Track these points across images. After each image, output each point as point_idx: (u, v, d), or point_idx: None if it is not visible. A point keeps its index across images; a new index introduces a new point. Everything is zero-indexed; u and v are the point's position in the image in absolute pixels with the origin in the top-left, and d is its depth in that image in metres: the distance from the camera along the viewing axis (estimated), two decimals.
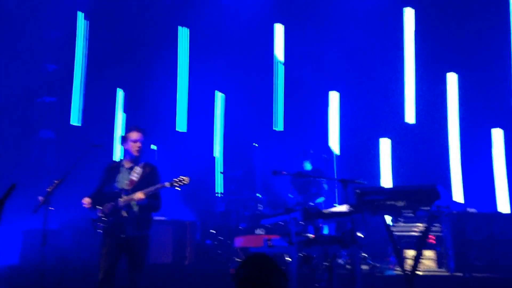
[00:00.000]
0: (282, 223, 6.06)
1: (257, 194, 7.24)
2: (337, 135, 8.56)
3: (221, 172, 8.18)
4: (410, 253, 6.08)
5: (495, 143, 7.52)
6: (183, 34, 9.24)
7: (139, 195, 4.62)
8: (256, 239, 5.01)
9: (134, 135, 4.83)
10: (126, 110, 9.04)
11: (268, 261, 2.17)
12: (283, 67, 8.86)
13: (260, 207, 7.07)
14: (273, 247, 4.78)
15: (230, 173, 7.61)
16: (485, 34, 7.58)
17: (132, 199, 4.64)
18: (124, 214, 4.65)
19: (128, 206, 4.66)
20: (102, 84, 8.83)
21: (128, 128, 5.00)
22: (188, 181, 4.64)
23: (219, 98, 9.09)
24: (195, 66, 9.08)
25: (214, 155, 8.86)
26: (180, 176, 4.65)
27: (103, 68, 8.80)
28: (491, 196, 7.41)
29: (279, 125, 8.79)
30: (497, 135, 7.51)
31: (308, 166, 7.12)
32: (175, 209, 7.83)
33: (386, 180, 8.09)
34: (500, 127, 7.54)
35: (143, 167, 4.88)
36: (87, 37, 9.05)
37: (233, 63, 8.75)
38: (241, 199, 7.05)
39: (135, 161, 4.89)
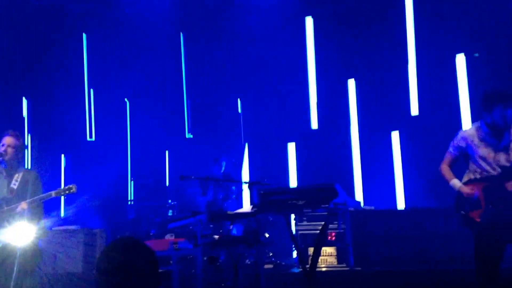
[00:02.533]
0: (191, 227, 6.15)
1: (169, 200, 7.29)
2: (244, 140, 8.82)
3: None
4: (313, 250, 6.39)
5: (393, 145, 8.11)
6: (88, 41, 9.08)
7: (23, 205, 4.45)
8: (162, 243, 5.06)
9: (4, 139, 4.64)
10: (31, 119, 8.69)
11: (135, 243, 2.10)
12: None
13: (171, 213, 7.12)
14: (179, 250, 4.87)
15: (141, 180, 7.59)
16: (382, 40, 8.16)
17: (13, 210, 4.45)
18: (6, 224, 4.47)
19: (10, 216, 4.46)
20: (7, 93, 8.45)
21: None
22: (75, 189, 4.56)
23: (128, 106, 9.02)
24: (104, 74, 8.93)
25: (126, 163, 8.78)
26: (68, 185, 4.58)
27: (7, 77, 8.43)
28: (390, 195, 7.97)
29: (189, 131, 8.89)
30: (395, 137, 8.12)
31: (217, 170, 7.31)
32: (85, 217, 7.67)
33: (293, 182, 8.46)
34: (397, 130, 8.14)
35: (23, 175, 4.68)
36: None
37: (142, 71, 8.73)
38: (152, 206, 7.06)
39: (12, 168, 4.67)
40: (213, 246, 4.88)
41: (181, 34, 9.08)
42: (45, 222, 4.57)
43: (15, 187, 4.58)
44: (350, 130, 8.44)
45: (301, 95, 8.68)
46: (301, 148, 8.59)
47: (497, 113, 4.04)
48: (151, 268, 2.06)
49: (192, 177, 5.49)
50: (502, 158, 4.06)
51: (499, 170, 4.04)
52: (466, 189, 4.13)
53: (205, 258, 5.01)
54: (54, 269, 6.38)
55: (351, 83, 8.49)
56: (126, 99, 9.00)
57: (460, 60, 7.79)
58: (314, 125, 8.63)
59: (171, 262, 4.89)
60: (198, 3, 8.86)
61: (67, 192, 4.51)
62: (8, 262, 4.33)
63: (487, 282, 3.99)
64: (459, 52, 7.73)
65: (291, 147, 8.64)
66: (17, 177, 4.63)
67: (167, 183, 8.55)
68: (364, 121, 8.36)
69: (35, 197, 4.48)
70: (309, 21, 8.71)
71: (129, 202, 7.93)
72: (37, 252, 4.49)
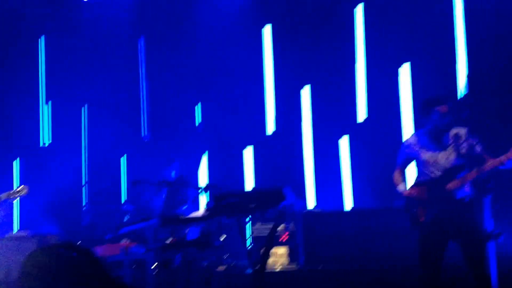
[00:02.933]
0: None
1: (124, 205, 7.32)
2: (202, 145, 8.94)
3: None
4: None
5: (342, 149, 8.44)
6: (45, 44, 8.99)
7: None
8: (114, 247, 5.14)
9: None
10: None
11: (61, 253, 2.04)
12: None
13: (127, 217, 7.16)
14: (130, 254, 4.97)
15: (96, 185, 7.59)
16: (335, 48, 8.45)
17: None
18: None
19: None
20: None
21: None
22: (25, 191, 4.57)
23: (85, 111, 8.99)
24: (61, 77, 8.87)
25: (81, 168, 8.74)
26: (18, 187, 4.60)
27: None
28: (339, 196, 8.28)
29: (147, 135, 8.94)
30: (344, 142, 8.45)
31: (172, 174, 7.39)
32: (38, 223, 7.63)
33: (250, 185, 8.65)
34: (346, 134, 8.46)
35: None
36: None
37: (100, 74, 8.73)
38: (108, 211, 7.08)
39: None
40: (165, 250, 4.99)
41: (140, 38, 9.10)
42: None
43: None
44: (303, 135, 8.70)
45: (259, 100, 8.88)
46: (258, 152, 8.79)
47: (436, 116, 4.32)
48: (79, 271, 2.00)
49: (145, 182, 5.58)
50: (442, 161, 4.33)
51: (440, 172, 4.32)
52: (407, 192, 4.44)
53: (157, 263, 5.12)
54: (7, 276, 6.34)
55: (306, 90, 8.76)
56: (83, 103, 8.96)
57: (404, 69, 8.19)
58: (271, 129, 8.85)
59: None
60: (158, 8, 8.90)
61: (17, 194, 4.49)
62: None
63: (429, 278, 4.27)
64: (404, 61, 8.15)
65: (248, 151, 8.84)
66: None
67: (124, 188, 8.58)
68: (316, 126, 8.64)
69: None
70: (267, 28, 8.92)
71: (83, 207, 7.90)
72: None
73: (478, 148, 4.23)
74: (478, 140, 4.27)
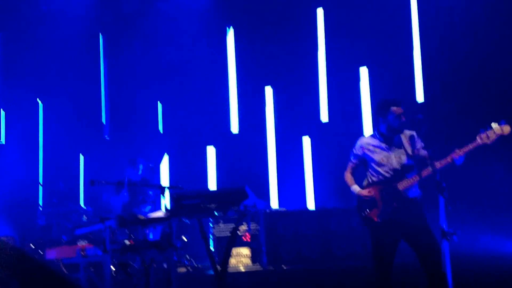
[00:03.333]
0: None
1: (82, 206, 7.14)
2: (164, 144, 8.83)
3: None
4: (232, 251, 6.57)
5: (304, 149, 8.50)
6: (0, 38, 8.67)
7: None
8: (69, 249, 4.96)
9: None
10: None
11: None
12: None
13: (85, 218, 6.98)
14: (86, 256, 4.81)
15: (53, 185, 7.35)
16: (297, 50, 8.54)
17: None
18: None
19: None
20: None
21: None
22: None
23: (40, 106, 8.72)
24: (16, 73, 8.56)
25: (37, 167, 8.46)
26: None
27: None
28: (302, 196, 8.34)
29: (107, 134, 8.75)
30: (306, 142, 8.51)
31: (134, 173, 7.24)
32: None
33: (213, 186, 8.59)
34: (308, 135, 8.53)
35: None
36: None
37: (58, 71, 8.48)
38: (64, 211, 6.87)
39: None
40: (123, 252, 4.86)
41: (99, 36, 8.90)
42: None
43: None
44: (266, 134, 8.71)
45: (222, 100, 8.83)
46: (221, 152, 8.74)
47: (392, 117, 4.38)
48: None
49: (103, 181, 5.43)
50: (394, 161, 4.40)
51: (391, 173, 4.39)
52: (364, 192, 4.46)
53: (115, 265, 4.99)
54: None
55: (268, 90, 8.78)
56: (38, 100, 8.68)
57: (363, 72, 8.37)
58: (234, 129, 8.82)
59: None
60: (118, 5, 8.73)
61: None
62: None
63: (382, 276, 4.32)
64: (363, 64, 8.29)
65: (211, 151, 8.77)
66: None
67: (81, 188, 8.36)
68: (279, 126, 8.67)
69: None
70: (231, 29, 8.91)
71: (40, 208, 7.63)
72: None
73: (423, 152, 4.34)
74: (424, 145, 4.39)
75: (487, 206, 7.41)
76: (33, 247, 6.86)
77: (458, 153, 4.12)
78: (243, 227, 6.81)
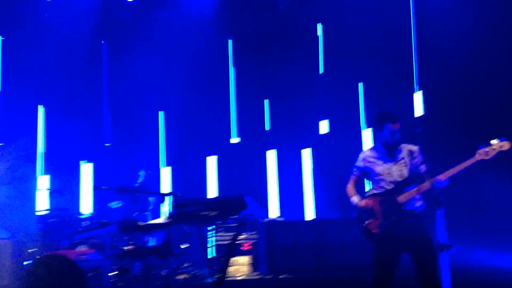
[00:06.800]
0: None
1: (82, 211, 7.16)
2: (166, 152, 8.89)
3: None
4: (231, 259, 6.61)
5: (304, 160, 8.57)
6: (3, 44, 8.70)
7: None
8: (68, 254, 4.98)
9: None
10: None
11: (67, 260, 2.10)
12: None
13: (86, 223, 6.99)
14: (86, 261, 4.84)
15: (53, 190, 7.35)
16: (296, 64, 8.62)
17: None
18: None
19: None
20: None
21: None
22: None
23: (41, 112, 8.75)
24: (18, 79, 8.60)
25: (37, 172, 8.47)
26: None
27: None
28: (301, 206, 8.39)
29: (109, 141, 8.80)
30: (306, 154, 8.58)
31: (134, 181, 7.30)
32: None
33: (213, 194, 8.63)
34: (308, 147, 8.60)
35: None
36: None
37: (60, 77, 8.53)
38: (64, 216, 6.88)
39: None
40: (123, 258, 4.89)
41: (103, 43, 8.97)
42: None
43: None
44: (266, 145, 8.79)
45: (223, 110, 8.89)
46: (222, 161, 8.79)
47: (387, 131, 4.45)
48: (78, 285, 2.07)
49: (104, 187, 5.49)
50: (395, 174, 4.46)
51: (392, 185, 4.44)
52: (362, 203, 4.52)
53: (115, 270, 5.01)
54: None
55: (267, 103, 8.88)
56: (40, 106, 8.72)
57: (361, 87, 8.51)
58: (234, 139, 8.89)
59: None
60: (121, 13, 8.82)
61: None
62: None
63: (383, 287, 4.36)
64: (360, 80, 8.40)
65: (211, 160, 8.83)
66: None
67: (83, 193, 8.38)
68: (279, 138, 8.75)
69: None
70: (230, 42, 9.04)
71: (39, 212, 7.61)
72: None
73: (422, 168, 4.41)
74: (424, 160, 4.44)
75: (484, 219, 7.46)
76: (32, 251, 6.87)
77: (439, 178, 4.18)
78: (243, 236, 6.85)
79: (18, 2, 8.44)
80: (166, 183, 8.66)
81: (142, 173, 7.46)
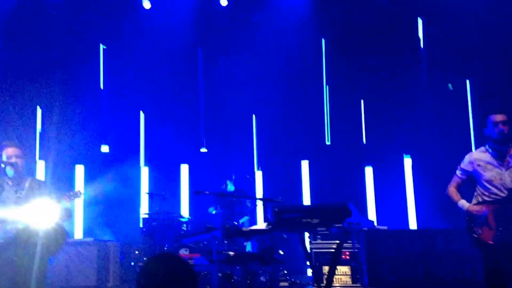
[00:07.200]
0: (206, 243, 6.17)
1: (182, 214, 7.30)
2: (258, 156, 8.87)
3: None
4: (327, 269, 6.40)
5: (406, 168, 8.17)
6: (105, 52, 9.12)
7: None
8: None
9: (12, 150, 4.72)
10: (44, 128, 8.70)
11: (176, 259, 2.20)
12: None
13: (186, 227, 7.12)
14: (193, 266, 4.89)
15: (155, 193, 7.57)
16: (395, 63, 8.22)
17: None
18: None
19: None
20: (21, 102, 8.49)
21: (3, 144, 4.85)
22: (79, 194, 4.64)
23: (142, 117, 9.04)
24: (120, 85, 8.98)
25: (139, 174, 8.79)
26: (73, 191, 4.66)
27: (21, 87, 8.46)
28: (402, 215, 7.98)
29: (204, 146, 8.94)
30: (408, 161, 8.18)
31: (231, 186, 7.34)
32: (98, 230, 7.71)
33: (306, 199, 8.47)
34: (410, 154, 8.19)
35: (30, 183, 4.75)
36: (1, 54, 8.53)
37: (158, 84, 8.78)
38: (166, 219, 7.05)
39: (18, 177, 4.74)
40: (228, 263, 4.89)
41: (198, 49, 9.14)
42: (67, 203, 4.63)
43: (21, 195, 4.64)
44: (362, 147, 8.48)
45: (316, 112, 8.72)
46: (315, 165, 8.60)
47: (490, 124, 4.18)
48: (191, 285, 2.12)
49: (207, 192, 5.52)
50: (508, 180, 4.13)
51: (505, 192, 4.11)
52: (475, 208, 4.21)
53: (220, 275, 5.02)
54: (67, 281, 6.40)
55: (362, 104, 8.59)
56: (140, 111, 9.05)
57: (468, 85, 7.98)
58: (328, 142, 8.67)
59: None
60: (217, 20, 8.90)
61: (72, 197, 4.58)
62: (30, 243, 4.34)
63: None
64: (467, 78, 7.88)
65: (305, 164, 8.68)
66: (25, 185, 4.70)
67: (182, 197, 8.59)
68: (375, 140, 8.41)
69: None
70: (323, 41, 8.85)
71: (142, 215, 7.86)
72: (60, 234, 4.52)
73: None
74: None
75: None
76: (137, 253, 7.12)
77: None
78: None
79: (118, 12, 8.76)
80: (258, 188, 8.63)
81: (233, 177, 7.48)
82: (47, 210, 4.50)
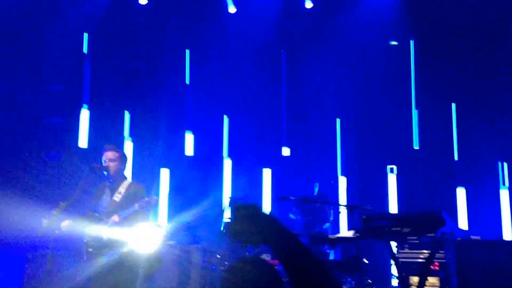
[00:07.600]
0: None
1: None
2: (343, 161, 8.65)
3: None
4: (415, 279, 6.09)
5: (503, 174, 7.62)
6: (191, 56, 9.22)
7: (115, 218, 4.61)
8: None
9: (107, 154, 4.81)
10: (132, 132, 8.97)
11: (263, 263, 2.15)
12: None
13: None
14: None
15: (239, 197, 7.61)
16: (489, 66, 7.73)
17: (106, 222, 4.61)
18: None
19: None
20: (109, 106, 8.72)
21: (103, 148, 4.96)
22: (154, 201, 4.65)
23: (226, 121, 9.12)
24: (202, 89, 9.09)
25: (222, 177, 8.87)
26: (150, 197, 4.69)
27: (109, 90, 8.74)
28: (496, 224, 7.45)
29: (286, 149, 8.87)
30: (503, 167, 7.63)
31: (311, 191, 7.20)
32: (180, 233, 7.84)
33: (393, 206, 8.14)
34: (505, 161, 7.63)
35: (127, 187, 4.81)
36: (92, 59, 8.78)
37: (242, 88, 8.82)
38: None
39: (116, 181, 4.84)
40: None
41: (282, 52, 9.10)
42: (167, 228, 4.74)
43: (117, 199, 4.73)
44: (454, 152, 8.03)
45: (405, 115, 8.39)
46: (402, 171, 8.27)
47: None
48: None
49: (292, 197, 5.46)
50: None
51: None
52: None
53: None
54: (151, 282, 6.53)
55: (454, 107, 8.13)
56: (224, 115, 9.14)
57: None
58: (415, 147, 8.31)
59: None
60: (298, 21, 8.79)
61: (149, 205, 4.59)
62: (133, 268, 4.48)
63: None
64: None
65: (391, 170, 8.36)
66: (121, 190, 4.77)
67: (263, 201, 8.55)
68: (467, 147, 7.92)
69: (126, 211, 4.58)
70: (412, 42, 8.49)
71: (225, 220, 7.91)
72: (158, 258, 4.64)
73: None
74: None
75: None
76: (219, 257, 7.15)
77: None
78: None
79: (203, 16, 8.87)
80: (341, 194, 8.40)
81: (317, 184, 7.33)
82: (150, 234, 4.59)
